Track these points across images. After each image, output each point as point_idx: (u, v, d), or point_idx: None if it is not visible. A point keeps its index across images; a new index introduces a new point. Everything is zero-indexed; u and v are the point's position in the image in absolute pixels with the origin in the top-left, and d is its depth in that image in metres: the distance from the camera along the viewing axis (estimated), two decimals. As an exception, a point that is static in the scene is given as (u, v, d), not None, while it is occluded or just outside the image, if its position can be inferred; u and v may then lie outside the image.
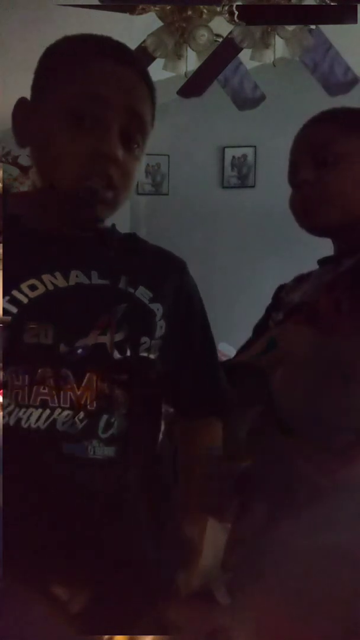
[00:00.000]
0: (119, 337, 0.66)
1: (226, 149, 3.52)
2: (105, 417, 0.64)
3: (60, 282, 0.67)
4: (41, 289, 0.66)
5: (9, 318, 0.64)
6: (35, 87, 0.73)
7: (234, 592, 0.64)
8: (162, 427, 0.75)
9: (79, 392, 0.63)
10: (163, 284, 0.75)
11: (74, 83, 0.68)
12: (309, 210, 0.91)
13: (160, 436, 0.72)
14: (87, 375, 0.64)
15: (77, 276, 0.68)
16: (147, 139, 0.73)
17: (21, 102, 0.73)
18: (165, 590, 0.65)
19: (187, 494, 0.73)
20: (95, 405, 0.64)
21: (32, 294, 0.66)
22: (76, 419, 0.63)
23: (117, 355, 0.66)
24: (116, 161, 0.68)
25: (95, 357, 0.65)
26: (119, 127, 0.68)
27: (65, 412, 0.63)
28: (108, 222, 0.77)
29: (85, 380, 0.64)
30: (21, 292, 0.65)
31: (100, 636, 0.60)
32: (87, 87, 0.68)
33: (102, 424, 0.64)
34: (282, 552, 0.65)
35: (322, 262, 0.95)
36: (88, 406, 0.63)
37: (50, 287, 0.67)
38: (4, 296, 0.65)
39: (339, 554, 0.63)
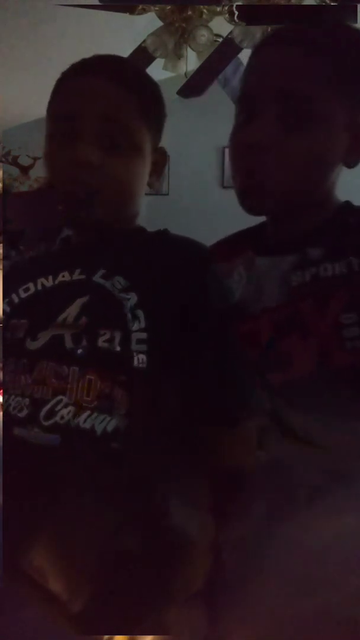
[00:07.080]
0: (75, 328, 0.68)
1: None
2: (48, 405, 0.66)
3: (50, 282, 0.74)
4: (32, 290, 0.74)
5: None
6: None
7: (233, 592, 0.64)
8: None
9: (29, 381, 0.68)
10: (148, 272, 0.73)
11: (55, 102, 0.78)
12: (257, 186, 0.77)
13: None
14: (38, 364, 0.68)
15: (62, 275, 0.74)
16: (139, 141, 0.77)
17: None
18: (165, 590, 0.65)
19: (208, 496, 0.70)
20: (39, 393, 0.67)
21: (23, 295, 0.74)
22: (23, 404, 0.67)
23: (70, 346, 0.68)
24: (90, 166, 0.72)
25: (49, 348, 0.68)
26: (96, 134, 0.73)
27: (17, 399, 0.67)
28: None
29: (35, 370, 0.68)
30: (17, 294, 0.74)
31: (100, 636, 0.60)
32: (60, 103, 0.77)
33: (43, 411, 0.66)
34: (281, 552, 0.65)
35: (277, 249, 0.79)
36: (34, 394, 0.67)
37: (39, 288, 0.74)
38: (3, 299, 0.74)
39: (338, 555, 0.63)
